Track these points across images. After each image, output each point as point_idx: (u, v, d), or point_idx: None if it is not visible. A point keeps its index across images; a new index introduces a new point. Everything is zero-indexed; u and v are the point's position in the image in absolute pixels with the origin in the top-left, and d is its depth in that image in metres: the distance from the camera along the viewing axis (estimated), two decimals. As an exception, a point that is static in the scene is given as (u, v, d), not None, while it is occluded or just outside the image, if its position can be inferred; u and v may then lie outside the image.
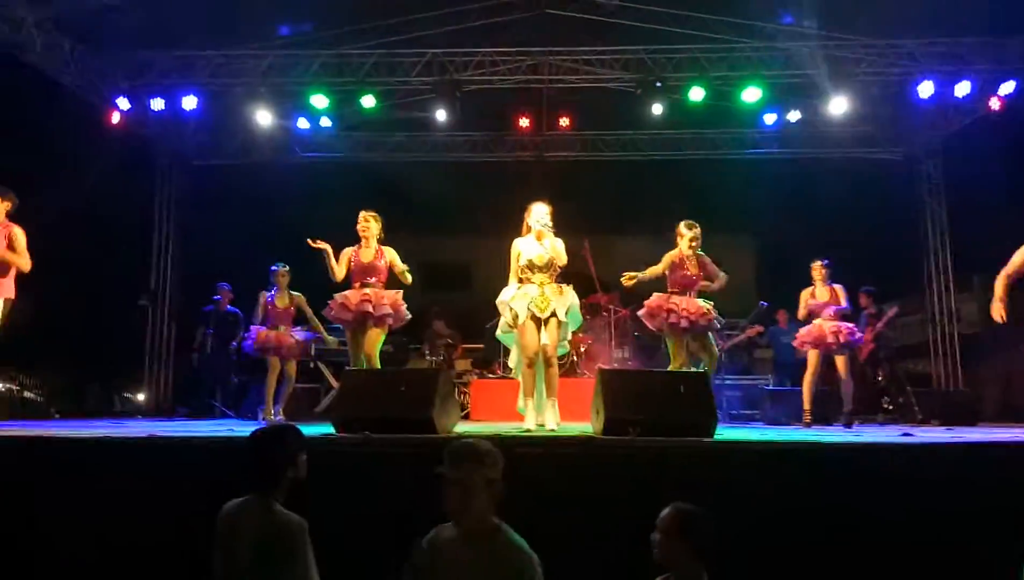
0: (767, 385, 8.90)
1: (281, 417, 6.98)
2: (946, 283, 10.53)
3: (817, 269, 7.18)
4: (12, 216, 5.48)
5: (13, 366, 9.47)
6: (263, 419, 7.00)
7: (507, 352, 6.36)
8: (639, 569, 3.03)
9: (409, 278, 5.91)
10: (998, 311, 5.23)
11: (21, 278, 5.48)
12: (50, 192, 5.89)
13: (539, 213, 5.32)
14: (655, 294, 5.97)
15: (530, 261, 5.28)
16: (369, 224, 5.93)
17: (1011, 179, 8.54)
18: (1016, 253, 5.48)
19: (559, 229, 5.39)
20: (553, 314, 5.17)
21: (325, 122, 10.23)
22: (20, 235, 5.40)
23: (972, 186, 9.55)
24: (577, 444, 4.17)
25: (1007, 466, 3.78)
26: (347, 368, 5.80)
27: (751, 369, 9.35)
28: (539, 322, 5.18)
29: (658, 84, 8.72)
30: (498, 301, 5.40)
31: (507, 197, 6.60)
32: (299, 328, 7.23)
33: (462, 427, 5.35)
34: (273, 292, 7.17)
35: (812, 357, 7.06)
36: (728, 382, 8.63)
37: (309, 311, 7.15)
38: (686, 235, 5.94)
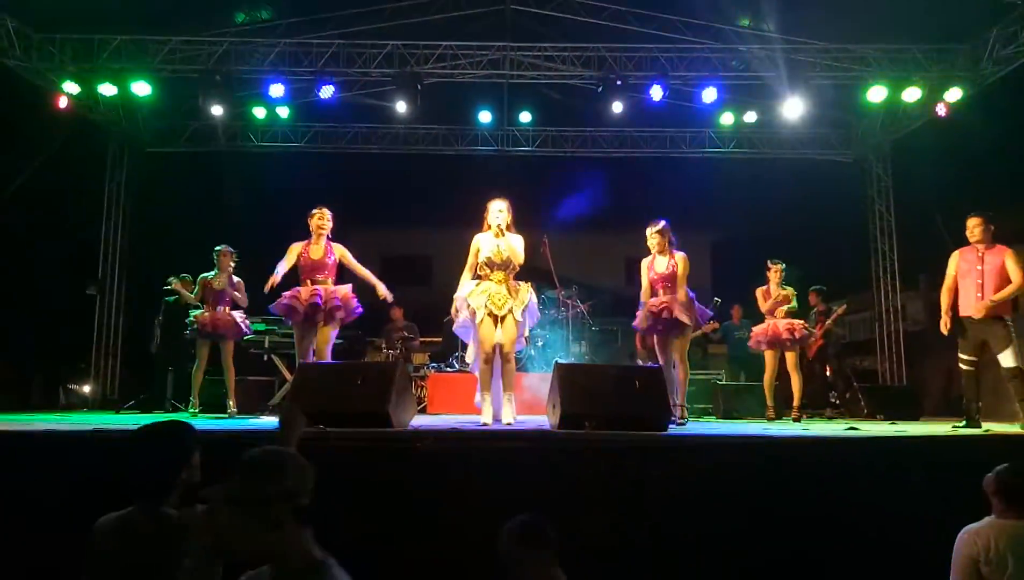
0: (720, 379, 9.07)
1: (234, 410, 6.85)
2: (892, 282, 10.86)
3: (776, 271, 7.31)
4: None
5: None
6: (191, 410, 6.81)
7: (465, 346, 6.36)
8: (590, 561, 3.08)
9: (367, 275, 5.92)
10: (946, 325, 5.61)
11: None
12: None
13: (496, 210, 5.35)
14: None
15: (488, 258, 5.29)
16: (327, 221, 5.96)
17: (955, 182, 8.83)
18: (949, 264, 5.75)
19: (519, 224, 5.43)
20: (510, 311, 5.21)
21: (282, 112, 10.08)
22: None
23: (919, 188, 9.86)
24: (533, 438, 4.19)
25: (944, 457, 3.94)
26: (301, 361, 5.73)
27: (705, 364, 9.50)
28: (496, 319, 5.20)
29: (619, 82, 8.79)
30: (456, 297, 5.41)
31: (468, 191, 6.59)
32: (238, 312, 6.99)
33: (418, 420, 5.34)
34: (213, 274, 6.95)
35: (769, 357, 7.22)
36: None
37: (243, 302, 6.95)
38: (648, 238, 6.06)
